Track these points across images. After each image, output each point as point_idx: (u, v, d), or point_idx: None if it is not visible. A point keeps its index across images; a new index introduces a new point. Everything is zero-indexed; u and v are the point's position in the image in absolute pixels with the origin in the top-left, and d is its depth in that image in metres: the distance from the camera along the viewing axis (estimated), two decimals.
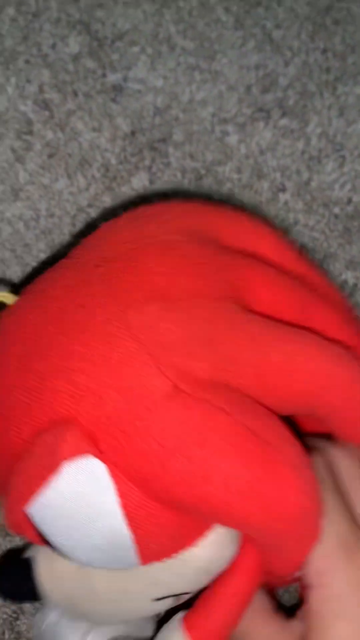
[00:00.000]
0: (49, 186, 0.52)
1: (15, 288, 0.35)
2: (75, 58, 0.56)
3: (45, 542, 0.28)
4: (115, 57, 0.56)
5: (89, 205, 0.52)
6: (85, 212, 0.51)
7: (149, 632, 0.36)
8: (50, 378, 0.27)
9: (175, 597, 0.31)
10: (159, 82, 0.56)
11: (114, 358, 0.27)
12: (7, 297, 0.34)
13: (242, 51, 0.59)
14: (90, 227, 0.51)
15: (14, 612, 0.42)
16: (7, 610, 0.42)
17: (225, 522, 0.28)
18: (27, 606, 0.42)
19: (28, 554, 0.33)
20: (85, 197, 0.52)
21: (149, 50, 0.57)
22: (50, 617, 0.36)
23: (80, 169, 0.52)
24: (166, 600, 0.31)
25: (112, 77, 0.56)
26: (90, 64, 0.56)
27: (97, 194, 0.52)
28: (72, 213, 0.51)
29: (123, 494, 0.26)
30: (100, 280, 0.30)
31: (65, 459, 0.25)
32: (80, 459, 0.25)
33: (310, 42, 0.60)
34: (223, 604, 0.31)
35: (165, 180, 0.53)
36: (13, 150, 0.52)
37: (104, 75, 0.56)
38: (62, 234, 0.51)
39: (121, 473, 0.26)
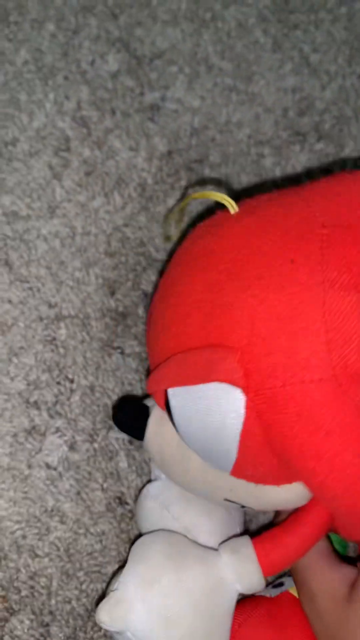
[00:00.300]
0: (86, 204, 0.51)
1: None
2: (114, 76, 0.56)
3: (168, 412, 0.33)
4: (153, 76, 0.56)
5: (125, 225, 0.51)
6: (121, 231, 0.51)
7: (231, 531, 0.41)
8: (237, 306, 0.30)
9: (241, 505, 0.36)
10: (196, 102, 0.56)
11: (297, 324, 0.29)
12: (230, 204, 0.35)
13: (279, 74, 0.58)
14: (125, 245, 0.51)
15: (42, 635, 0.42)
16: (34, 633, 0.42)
17: (315, 492, 0.32)
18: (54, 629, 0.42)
19: (148, 402, 0.38)
20: (121, 215, 0.52)
21: (187, 70, 0.57)
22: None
23: (117, 187, 0.52)
24: (234, 504, 0.36)
25: (150, 96, 0.56)
26: (128, 82, 0.56)
27: (133, 213, 0.52)
28: (108, 232, 0.51)
29: (247, 427, 0.30)
30: (319, 245, 0.30)
31: (217, 379, 0.29)
32: (228, 385, 0.29)
33: (347, 67, 0.60)
34: (292, 536, 0.36)
35: (200, 201, 0.53)
36: (50, 167, 0.52)
37: (142, 94, 0.56)
38: (98, 252, 0.50)
39: (254, 409, 0.29)
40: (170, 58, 0.57)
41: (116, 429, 0.44)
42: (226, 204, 0.35)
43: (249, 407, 0.30)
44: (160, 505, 0.40)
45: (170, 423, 0.35)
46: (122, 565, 0.43)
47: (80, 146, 0.53)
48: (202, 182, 0.54)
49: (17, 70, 0.55)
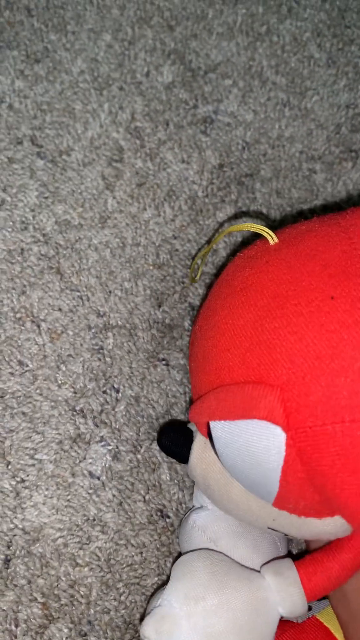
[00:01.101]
0: (136, 215, 0.52)
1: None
2: (168, 87, 0.56)
3: (211, 442, 0.34)
4: (207, 88, 0.56)
5: (174, 237, 0.52)
6: (170, 243, 0.51)
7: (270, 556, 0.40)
8: (277, 343, 0.30)
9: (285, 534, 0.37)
10: (249, 116, 0.56)
11: (336, 363, 0.28)
12: (270, 235, 0.35)
13: (333, 89, 0.58)
14: (174, 258, 0.51)
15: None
16: None
17: (357, 527, 0.33)
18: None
19: (192, 427, 0.39)
20: (170, 228, 0.52)
21: (241, 84, 0.57)
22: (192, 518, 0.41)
23: (168, 199, 0.52)
24: (278, 532, 0.36)
25: (204, 109, 0.56)
26: (182, 94, 0.56)
27: (183, 225, 0.52)
28: (157, 243, 0.51)
29: (288, 463, 0.30)
30: None
31: (258, 416, 0.29)
32: (268, 423, 0.29)
33: None
34: (334, 562, 0.37)
35: (250, 215, 0.53)
36: (103, 177, 0.52)
37: (195, 107, 0.56)
38: (146, 264, 0.50)
39: (294, 447, 0.29)
40: (224, 71, 0.57)
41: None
42: (265, 235, 0.35)
43: (289, 445, 0.29)
44: (208, 539, 0.39)
45: (213, 450, 0.35)
46: (164, 582, 0.43)
47: (133, 157, 0.53)
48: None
49: (73, 79, 0.55)
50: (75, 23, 0.57)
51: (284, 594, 0.37)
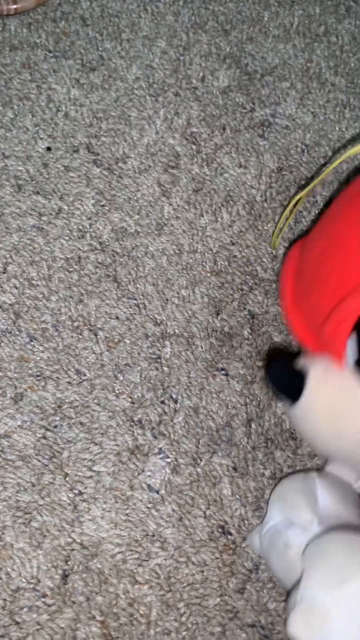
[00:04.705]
0: (193, 221, 0.50)
1: None
2: (224, 92, 0.55)
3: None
4: (264, 92, 0.55)
5: (232, 243, 0.50)
6: (228, 249, 0.50)
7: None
8: None
9: None
10: (308, 119, 0.54)
11: None
12: None
13: None
14: (232, 264, 0.49)
15: None
16: None
17: None
18: None
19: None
20: (228, 234, 0.50)
21: (299, 86, 0.56)
22: (270, 524, 0.39)
23: (225, 205, 0.51)
24: None
25: (261, 113, 0.54)
26: (239, 98, 0.55)
27: (241, 231, 0.51)
28: (215, 250, 0.50)
29: None
30: None
31: None
32: None
33: None
34: None
35: (312, 219, 0.51)
36: (159, 183, 0.51)
37: (252, 110, 0.54)
38: (204, 270, 0.49)
39: None
40: (281, 74, 0.56)
41: (221, 451, 0.43)
42: None
43: None
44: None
45: (333, 374, 0.35)
46: (227, 603, 0.41)
47: (190, 163, 0.52)
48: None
49: (128, 86, 0.55)
50: (130, 31, 0.57)
51: None
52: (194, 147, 0.53)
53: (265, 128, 0.54)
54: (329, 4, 0.59)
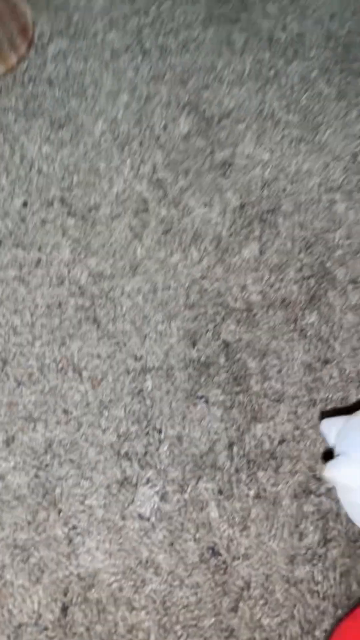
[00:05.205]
0: (165, 260, 0.54)
1: None
2: (186, 138, 0.59)
3: None
4: (223, 134, 0.59)
5: (202, 277, 0.53)
6: (199, 283, 0.53)
7: None
8: None
9: None
10: (266, 156, 0.58)
11: None
12: None
13: (345, 121, 0.60)
14: (204, 297, 0.52)
15: None
16: None
17: None
18: None
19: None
20: (198, 269, 0.54)
21: (254, 126, 0.60)
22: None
23: (194, 242, 0.54)
24: None
25: (221, 154, 0.58)
26: (199, 142, 0.58)
27: (210, 265, 0.54)
28: (187, 285, 0.53)
29: None
30: None
31: None
32: None
33: None
34: None
35: (276, 249, 0.54)
36: (131, 228, 0.55)
37: (212, 153, 0.58)
38: (178, 305, 0.52)
39: None
40: (237, 116, 0.60)
41: (206, 476, 0.45)
42: None
43: None
44: None
45: None
46: (222, 622, 0.42)
47: (158, 206, 0.56)
48: None
49: (95, 140, 0.59)
50: (94, 88, 0.61)
51: None
52: (160, 191, 0.56)
53: (226, 168, 0.58)
54: (278, 48, 0.64)
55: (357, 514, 0.41)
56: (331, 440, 0.44)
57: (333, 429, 0.43)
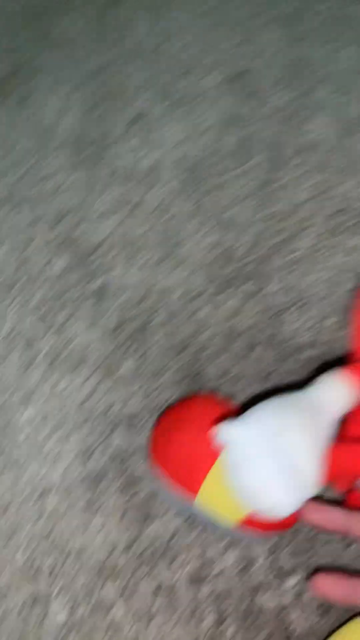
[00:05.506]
0: (55, 386, 0.61)
1: None
2: (62, 274, 0.67)
3: None
4: (96, 264, 0.68)
5: (89, 396, 0.60)
6: (87, 402, 0.60)
7: None
8: None
9: None
10: (135, 279, 0.67)
11: None
12: None
13: (199, 236, 0.69)
14: (93, 413, 0.59)
15: None
16: None
17: None
18: None
19: None
20: (87, 388, 0.61)
21: (123, 254, 0.69)
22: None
23: (79, 365, 0.62)
24: None
25: (96, 283, 0.67)
26: (75, 275, 0.67)
27: (97, 383, 0.61)
28: (75, 406, 0.60)
29: None
30: None
31: None
32: None
33: (257, 213, 0.70)
34: None
35: (152, 360, 0.62)
36: (21, 361, 0.62)
37: (88, 282, 0.67)
38: (70, 426, 0.59)
39: None
40: (107, 247, 0.69)
41: (110, 580, 0.50)
42: None
43: None
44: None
45: None
46: None
47: (44, 339, 0.63)
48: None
49: None
50: None
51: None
52: (45, 324, 0.64)
53: (102, 294, 0.66)
54: (134, 181, 0.74)
55: (243, 478, 0.45)
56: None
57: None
